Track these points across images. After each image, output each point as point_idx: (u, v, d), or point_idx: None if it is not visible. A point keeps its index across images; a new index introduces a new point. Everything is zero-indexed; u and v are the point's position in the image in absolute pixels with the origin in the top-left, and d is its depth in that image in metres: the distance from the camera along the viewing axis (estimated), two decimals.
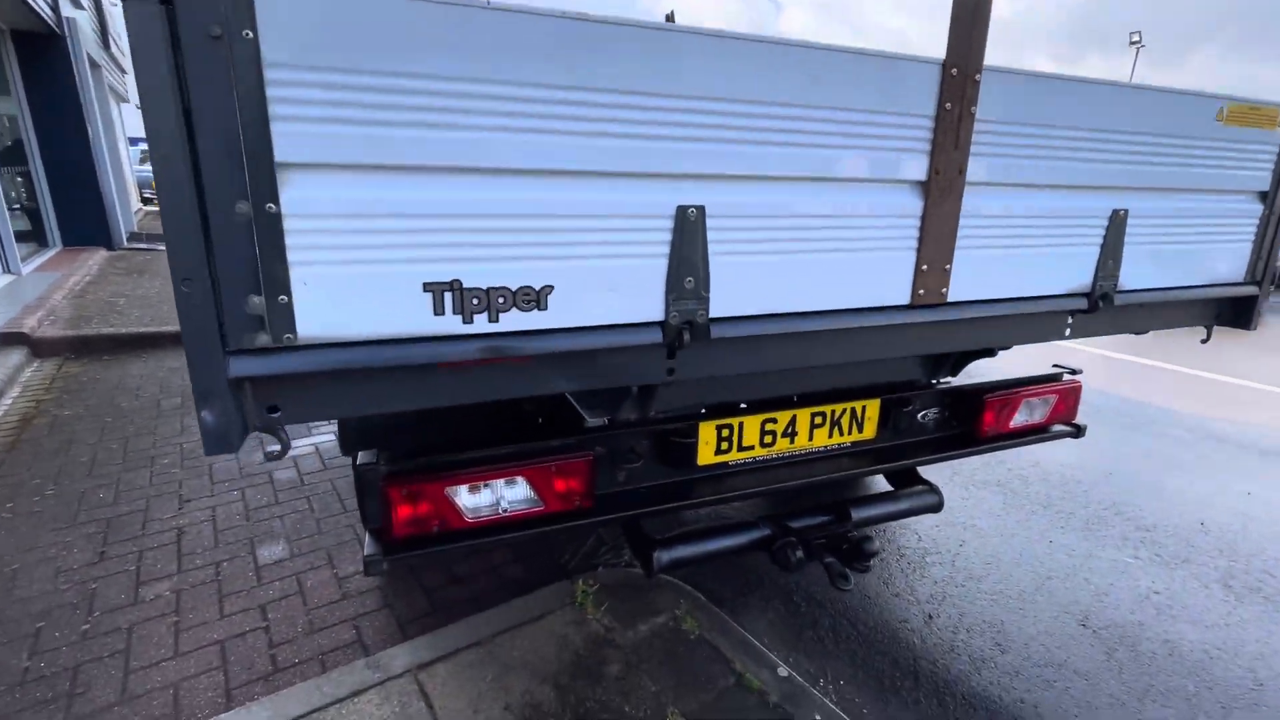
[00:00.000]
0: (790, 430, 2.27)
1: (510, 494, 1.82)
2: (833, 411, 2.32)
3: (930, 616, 2.76)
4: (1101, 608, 2.84)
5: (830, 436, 2.36)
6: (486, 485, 1.79)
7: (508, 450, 1.80)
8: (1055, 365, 2.77)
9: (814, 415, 2.30)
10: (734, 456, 2.22)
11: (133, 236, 12.42)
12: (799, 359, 1.70)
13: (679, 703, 2.15)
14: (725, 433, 2.18)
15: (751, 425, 2.21)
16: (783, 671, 2.31)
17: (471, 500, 1.78)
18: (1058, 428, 2.73)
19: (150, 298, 7.61)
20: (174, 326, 6.09)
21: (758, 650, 2.42)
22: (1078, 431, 2.75)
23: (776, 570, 2.47)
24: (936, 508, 2.55)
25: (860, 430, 2.40)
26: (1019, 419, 2.60)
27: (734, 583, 2.96)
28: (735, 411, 2.19)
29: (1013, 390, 2.53)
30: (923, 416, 2.53)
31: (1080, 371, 2.73)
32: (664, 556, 2.08)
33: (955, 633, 2.66)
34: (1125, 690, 2.38)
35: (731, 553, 2.19)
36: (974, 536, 3.37)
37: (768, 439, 2.25)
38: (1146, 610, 2.84)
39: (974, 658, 2.53)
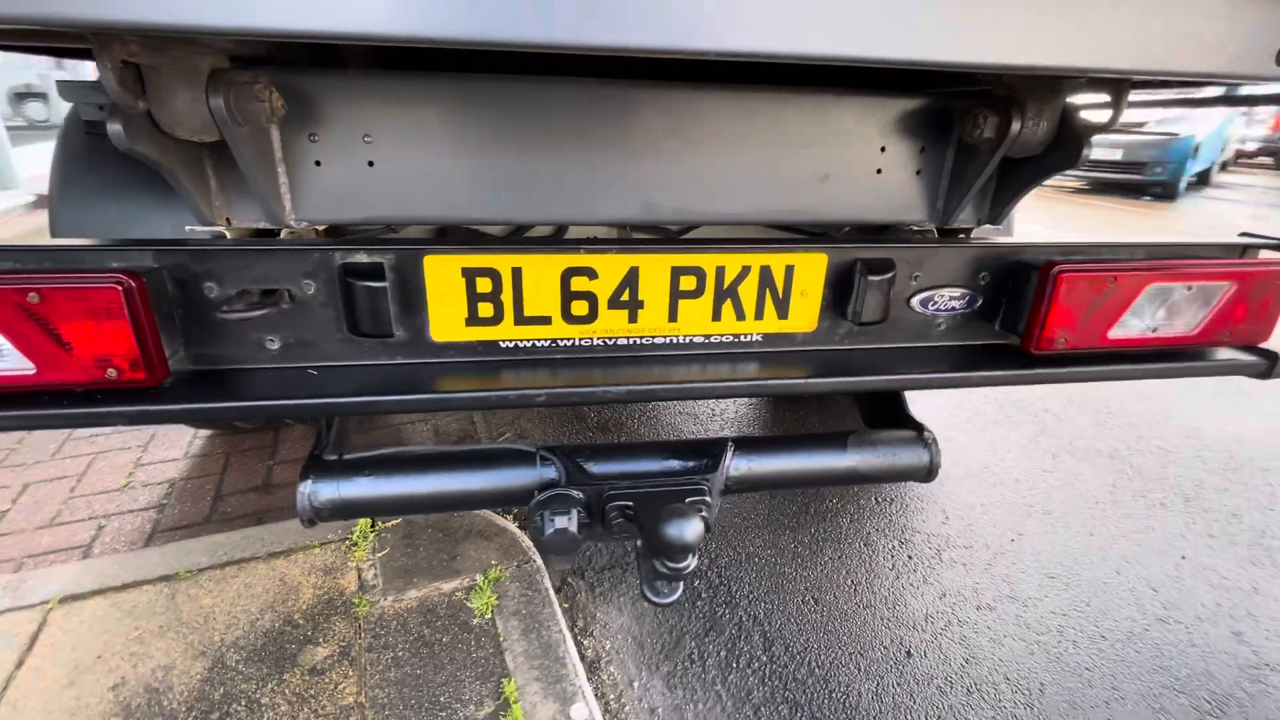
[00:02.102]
0: (629, 298, 1.16)
1: None
2: (720, 270, 1.17)
3: (909, 653, 1.62)
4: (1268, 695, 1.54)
5: (717, 321, 1.22)
6: None
7: None
8: (1244, 234, 1.40)
9: (678, 272, 1.16)
10: (508, 332, 1.15)
11: None
12: None
13: None
14: (484, 283, 1.12)
15: (543, 270, 1.11)
16: (579, 713, 1.33)
17: None
18: (1225, 354, 1.37)
19: None
20: None
21: (564, 664, 1.45)
22: (1270, 363, 1.38)
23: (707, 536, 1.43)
24: (922, 474, 1.34)
25: (784, 313, 1.23)
26: (1133, 324, 1.28)
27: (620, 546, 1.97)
28: (493, 240, 1.13)
29: (1117, 263, 1.23)
30: (926, 303, 1.29)
31: None
32: (317, 492, 1.12)
33: (945, 691, 1.52)
34: None
35: (491, 501, 1.19)
36: (1040, 529, 2.08)
37: (577, 306, 1.15)
38: None
39: None
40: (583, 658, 1.57)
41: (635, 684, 1.51)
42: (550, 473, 1.19)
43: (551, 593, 1.67)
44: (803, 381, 1.22)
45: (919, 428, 1.39)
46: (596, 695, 1.45)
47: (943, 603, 1.76)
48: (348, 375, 1.09)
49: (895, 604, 1.76)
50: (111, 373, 0.97)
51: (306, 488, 1.12)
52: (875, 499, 2.21)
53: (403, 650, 1.45)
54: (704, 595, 1.78)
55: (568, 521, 1.06)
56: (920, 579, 1.85)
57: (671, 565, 1.03)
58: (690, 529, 0.98)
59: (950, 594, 1.79)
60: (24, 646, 1.41)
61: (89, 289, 0.92)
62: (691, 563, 1.04)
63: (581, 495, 1.12)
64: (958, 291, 1.28)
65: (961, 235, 1.52)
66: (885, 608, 1.74)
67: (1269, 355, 1.39)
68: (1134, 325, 1.30)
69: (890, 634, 1.66)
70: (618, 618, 1.70)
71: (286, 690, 1.34)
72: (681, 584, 1.14)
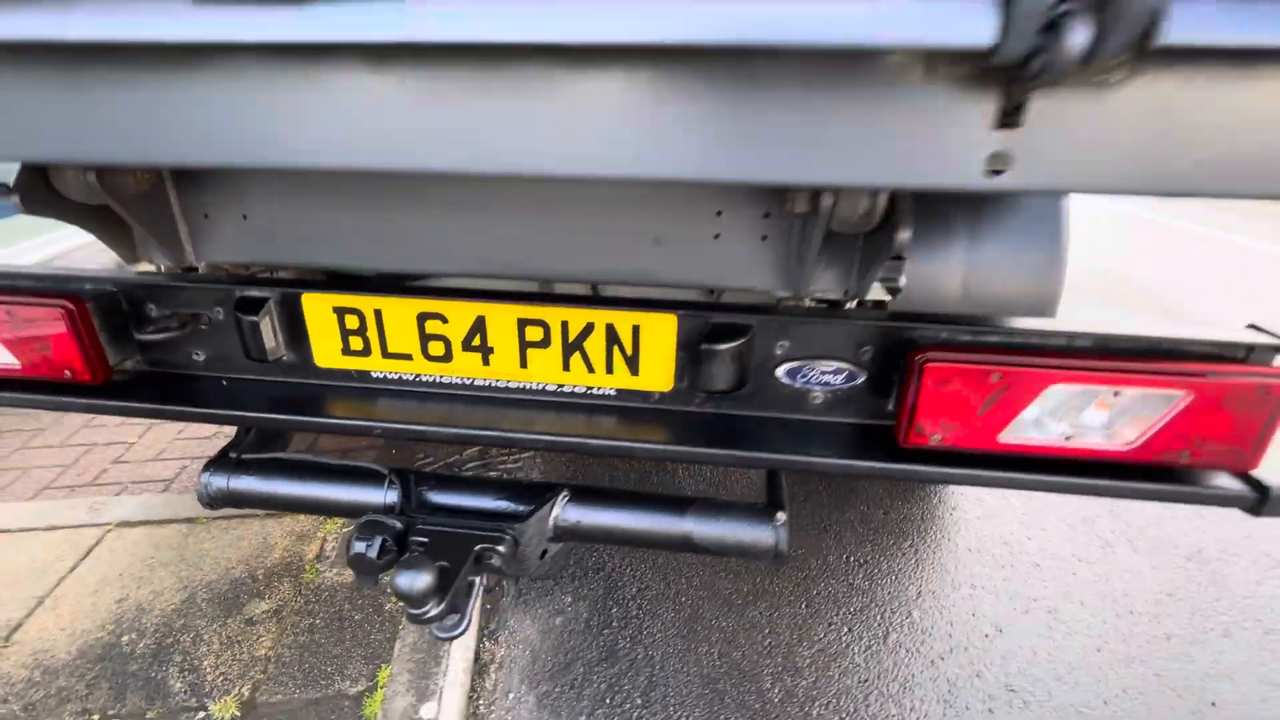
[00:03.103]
0: (480, 343, 1.23)
1: None
2: (565, 325, 1.20)
3: None
4: None
5: (567, 371, 1.24)
6: None
7: None
8: (1252, 326, 1.09)
9: (524, 323, 1.21)
10: (376, 364, 1.29)
11: None
12: None
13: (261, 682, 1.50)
14: (352, 320, 1.27)
15: (400, 313, 1.23)
16: (427, 711, 1.46)
17: None
18: (1196, 482, 1.08)
19: None
20: None
21: (439, 664, 1.58)
22: (1259, 497, 1.06)
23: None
24: (766, 557, 1.24)
25: (635, 372, 1.22)
26: (1037, 429, 1.07)
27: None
28: (366, 285, 1.26)
29: (1008, 354, 1.03)
30: (795, 373, 1.19)
31: None
32: (212, 482, 1.35)
33: None
34: None
35: (333, 511, 1.36)
36: (1032, 630, 1.77)
37: (433, 347, 1.25)
38: None
39: None
40: (478, 659, 1.69)
41: (510, 695, 1.60)
42: (393, 496, 1.30)
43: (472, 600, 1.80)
44: (643, 445, 1.20)
45: (776, 507, 1.28)
46: (470, 697, 1.57)
47: (852, 690, 1.60)
48: (256, 388, 1.29)
49: (803, 678, 1.63)
50: (67, 373, 1.24)
51: (205, 478, 1.35)
52: (848, 558, 2.03)
53: (321, 620, 1.68)
54: (615, 624, 1.80)
55: (365, 548, 1.17)
56: (847, 659, 1.69)
57: (410, 610, 1.10)
58: (418, 581, 1.04)
59: (867, 682, 1.62)
60: (80, 556, 1.87)
61: (43, 309, 1.19)
62: (432, 610, 1.09)
63: (398, 525, 1.22)
64: (832, 365, 1.17)
65: (878, 303, 1.37)
66: (790, 679, 1.63)
67: (1255, 486, 1.12)
68: (1039, 430, 1.11)
69: (782, 711, 1.56)
70: (527, 629, 1.80)
71: (224, 633, 1.64)
72: (464, 621, 1.19)
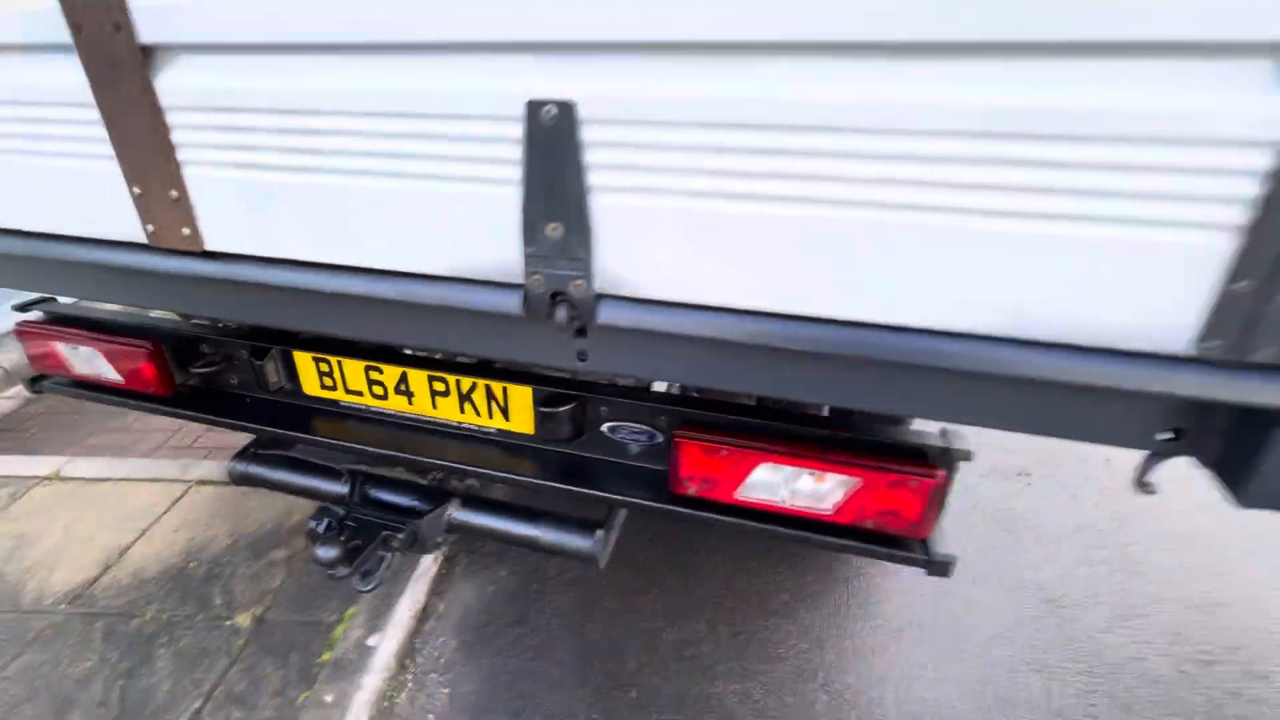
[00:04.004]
0: (404, 388, 1.79)
1: (97, 364, 1.97)
2: (458, 382, 1.72)
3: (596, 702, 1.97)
4: None
5: (462, 413, 1.77)
6: (76, 348, 1.98)
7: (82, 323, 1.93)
8: (942, 432, 1.42)
9: (432, 379, 1.75)
10: (342, 396, 1.88)
11: None
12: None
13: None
14: (324, 366, 1.86)
15: (353, 367, 1.82)
16: (373, 640, 2.04)
17: (71, 355, 2.01)
18: (881, 542, 1.45)
19: None
20: None
21: (390, 609, 2.17)
22: (928, 560, 1.42)
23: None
24: (590, 560, 1.70)
25: (507, 418, 1.72)
26: (760, 491, 1.47)
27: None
28: (335, 347, 1.83)
29: (733, 436, 1.43)
30: (615, 430, 1.65)
31: (963, 457, 1.34)
32: (237, 467, 1.98)
33: None
34: None
35: (309, 495, 1.95)
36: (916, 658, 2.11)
37: (376, 389, 1.82)
38: None
39: None
40: (426, 608, 2.27)
41: (440, 639, 2.17)
42: (345, 488, 1.88)
43: (430, 560, 2.38)
44: (511, 476, 1.69)
45: (600, 526, 1.74)
46: (409, 635, 2.15)
47: (693, 672, 2.03)
48: (268, 406, 1.88)
49: (656, 655, 2.08)
50: (148, 387, 1.90)
51: (231, 464, 1.98)
52: (732, 573, 2.42)
53: (318, 570, 2.31)
54: (532, 595, 2.32)
55: (315, 525, 1.74)
56: (700, 648, 2.12)
57: (325, 571, 1.65)
58: (327, 554, 1.59)
59: (712, 669, 2.04)
60: (171, 503, 2.63)
61: (135, 346, 1.81)
62: (341, 571, 1.64)
63: (340, 511, 1.79)
64: (639, 428, 1.62)
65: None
66: (647, 656, 2.08)
67: (926, 551, 1.46)
68: (762, 492, 1.51)
69: (633, 681, 2.02)
70: (468, 592, 2.35)
71: (252, 570, 2.31)
72: (373, 581, 1.74)
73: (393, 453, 1.75)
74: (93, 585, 2.25)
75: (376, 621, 2.13)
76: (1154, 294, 0.69)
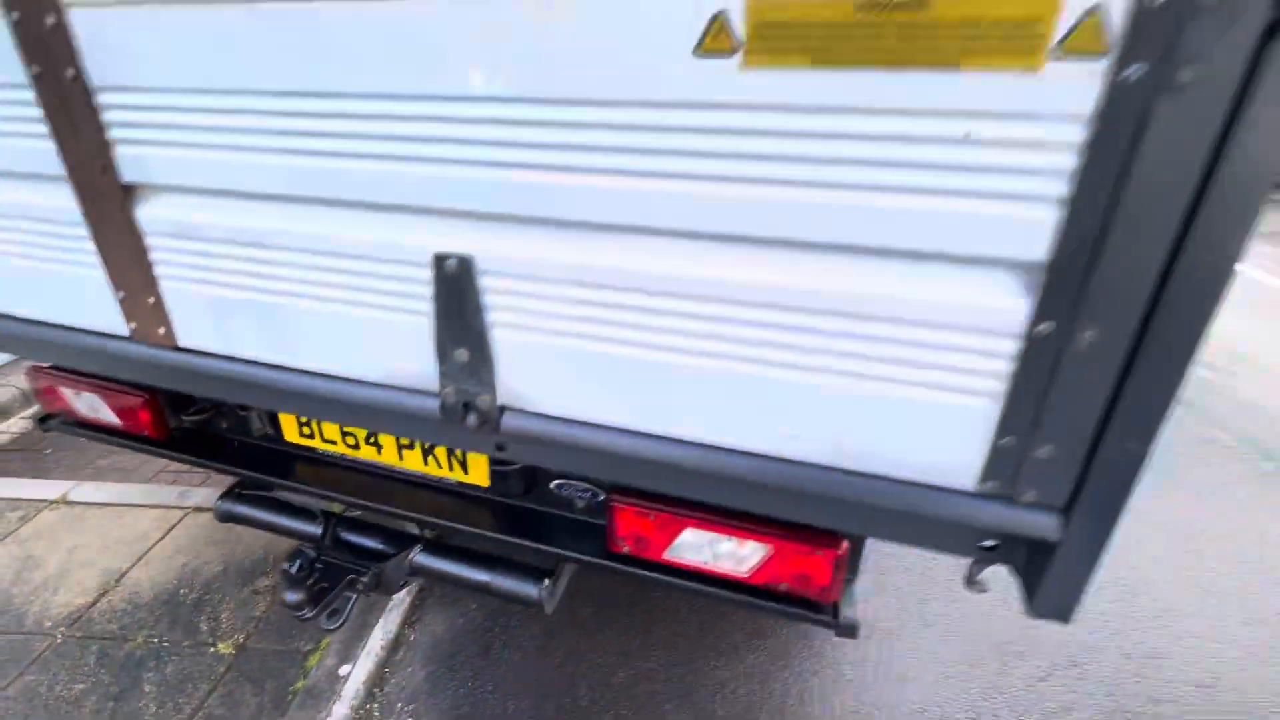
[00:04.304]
0: (374, 440, 1.95)
1: (99, 408, 2.15)
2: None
3: None
4: None
5: (426, 464, 1.92)
6: (80, 393, 2.16)
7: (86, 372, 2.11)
8: None
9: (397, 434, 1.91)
10: (319, 445, 2.04)
11: None
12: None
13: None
14: (303, 418, 2.02)
15: (329, 424, 1.97)
16: (344, 670, 2.19)
17: (75, 399, 2.18)
18: (795, 604, 1.57)
19: None
20: None
21: (362, 640, 2.31)
22: (836, 623, 1.55)
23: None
24: (536, 606, 1.83)
25: (465, 471, 1.87)
26: (686, 554, 1.60)
27: None
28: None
29: (659, 505, 1.56)
30: (561, 487, 1.79)
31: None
32: (222, 505, 2.15)
33: None
34: None
35: (287, 534, 2.10)
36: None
37: (349, 439, 1.98)
38: None
39: None
40: (398, 638, 2.41)
41: (408, 669, 2.31)
42: (319, 529, 2.03)
43: (404, 594, 2.53)
44: (465, 527, 1.84)
45: (547, 575, 1.87)
46: (380, 665, 2.29)
47: (647, 706, 2.16)
48: (254, 450, 2.05)
49: (609, 692, 2.21)
50: (145, 430, 2.07)
51: (217, 503, 2.15)
52: (684, 613, 2.54)
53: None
54: (497, 630, 2.46)
55: (289, 567, 1.90)
56: (652, 684, 2.24)
57: (292, 613, 1.80)
58: (292, 597, 1.74)
59: (663, 696, 2.17)
60: (168, 528, 2.80)
61: (134, 395, 1.98)
62: (306, 613, 1.79)
63: (311, 553, 1.94)
64: (583, 485, 1.77)
65: None
66: (599, 693, 2.21)
67: (834, 614, 1.59)
68: (688, 553, 1.65)
69: (587, 715, 2.15)
70: (438, 624, 2.50)
71: (238, 597, 2.47)
72: (340, 619, 1.89)
73: (361, 500, 1.89)
74: (91, 609, 2.42)
75: (350, 651, 2.28)
76: (945, 443, 0.82)
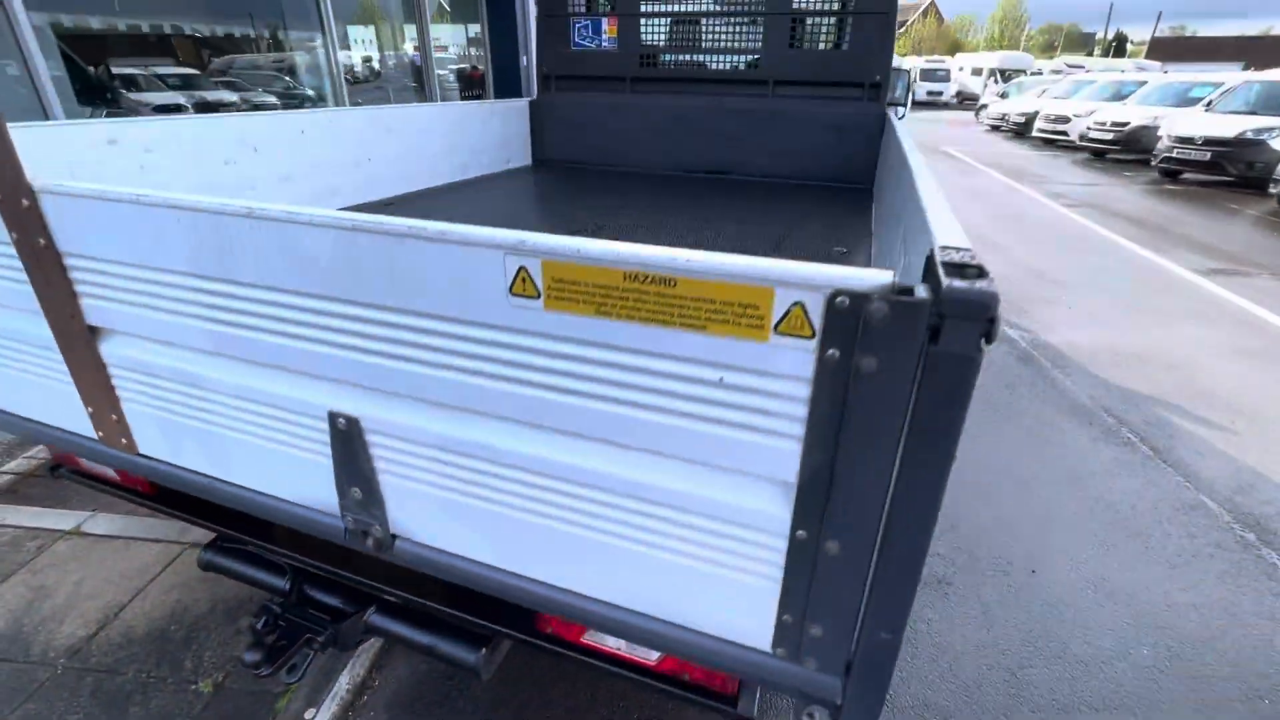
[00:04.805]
0: None
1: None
2: None
3: None
4: None
5: None
6: None
7: None
8: None
9: None
10: None
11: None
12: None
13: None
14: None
15: None
16: (309, 714, 2.36)
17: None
18: (700, 693, 1.69)
19: None
20: None
21: (330, 685, 2.48)
22: (735, 714, 1.65)
23: None
24: (473, 671, 1.97)
25: None
26: (607, 641, 1.72)
27: None
28: None
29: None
30: None
31: None
32: (204, 556, 2.34)
33: None
34: None
35: (259, 586, 2.29)
36: None
37: None
38: None
39: None
40: (364, 684, 2.57)
41: (371, 714, 2.47)
42: (285, 583, 2.21)
43: (372, 640, 2.69)
44: (414, 597, 1.99)
45: (485, 643, 2.01)
46: (344, 706, 2.45)
47: None
48: (230, 509, 2.24)
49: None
50: (137, 486, 2.28)
51: (200, 552, 2.35)
52: None
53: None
54: (456, 679, 2.60)
55: (255, 622, 2.07)
56: None
57: (250, 671, 1.97)
58: (250, 656, 1.91)
59: None
60: (166, 564, 3.02)
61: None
62: (264, 670, 1.96)
63: (276, 610, 2.12)
64: None
65: None
66: None
67: (734, 707, 1.71)
68: (606, 640, 1.78)
69: None
70: (403, 670, 2.65)
71: (221, 636, 2.67)
72: (299, 673, 2.05)
73: (322, 564, 2.06)
74: (90, 641, 2.65)
75: (317, 695, 2.45)
76: (742, 611, 0.93)
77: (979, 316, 0.62)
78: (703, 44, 5.35)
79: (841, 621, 0.84)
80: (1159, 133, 14.51)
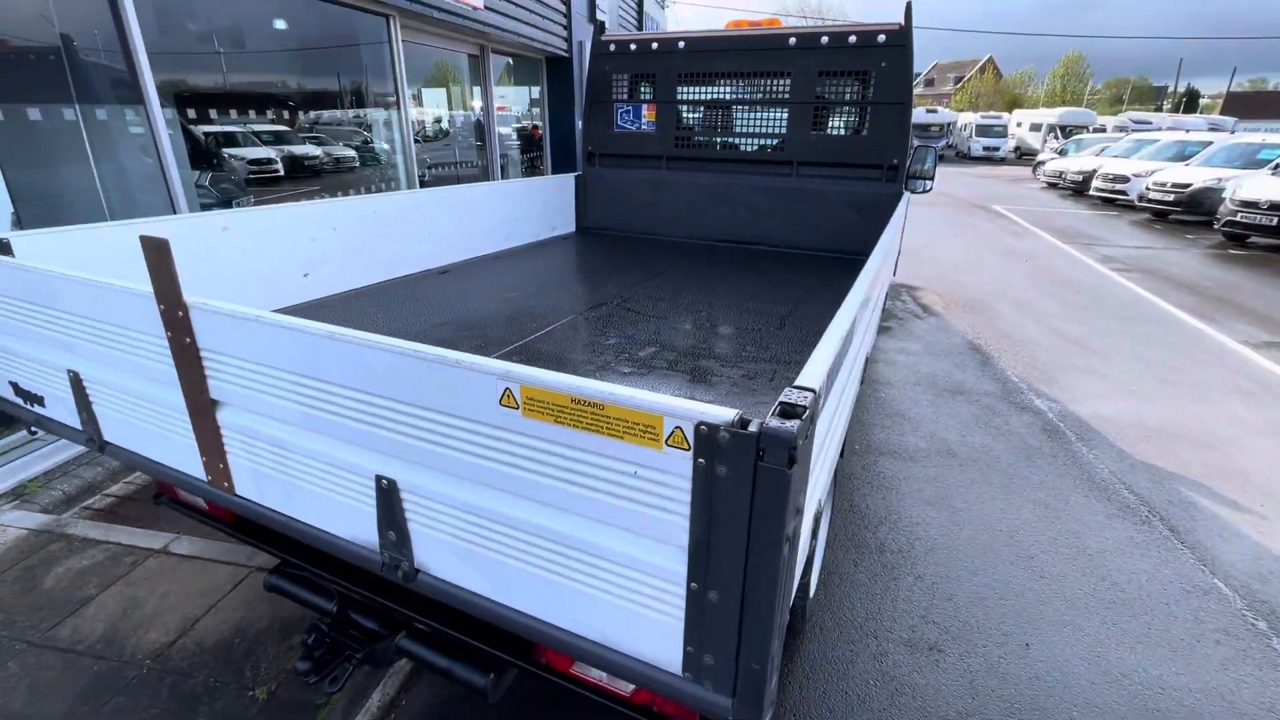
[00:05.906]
0: None
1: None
2: None
3: None
4: None
5: None
6: None
7: None
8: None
9: None
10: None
11: None
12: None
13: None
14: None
15: None
16: None
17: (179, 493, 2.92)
18: None
19: None
20: None
21: (365, 700, 2.84)
22: None
23: None
24: (481, 693, 2.29)
25: None
26: (591, 672, 2.04)
27: None
28: None
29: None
30: None
31: None
32: (269, 579, 2.78)
33: None
34: None
35: (313, 608, 2.70)
36: None
37: None
38: None
39: None
40: (393, 702, 2.92)
41: None
42: (331, 605, 2.61)
43: (404, 661, 3.05)
44: (432, 622, 2.36)
45: (493, 669, 2.34)
46: None
47: None
48: (295, 540, 2.70)
49: None
50: (222, 517, 2.77)
51: (267, 575, 2.79)
52: None
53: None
54: (475, 702, 2.91)
55: (306, 637, 2.47)
56: None
57: (301, 678, 2.35)
58: (300, 666, 2.29)
59: None
60: (236, 583, 3.49)
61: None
62: (311, 679, 2.33)
63: (324, 629, 2.51)
64: None
65: None
66: None
67: None
68: (590, 672, 2.10)
69: None
70: (428, 691, 2.99)
71: (277, 650, 3.08)
72: (340, 684, 2.42)
73: (363, 591, 2.44)
74: (170, 647, 3.11)
75: (353, 708, 2.80)
76: (663, 642, 1.25)
77: (785, 447, 0.94)
78: (733, 128, 5.84)
79: (726, 653, 1.14)
80: (1224, 194, 14.15)
